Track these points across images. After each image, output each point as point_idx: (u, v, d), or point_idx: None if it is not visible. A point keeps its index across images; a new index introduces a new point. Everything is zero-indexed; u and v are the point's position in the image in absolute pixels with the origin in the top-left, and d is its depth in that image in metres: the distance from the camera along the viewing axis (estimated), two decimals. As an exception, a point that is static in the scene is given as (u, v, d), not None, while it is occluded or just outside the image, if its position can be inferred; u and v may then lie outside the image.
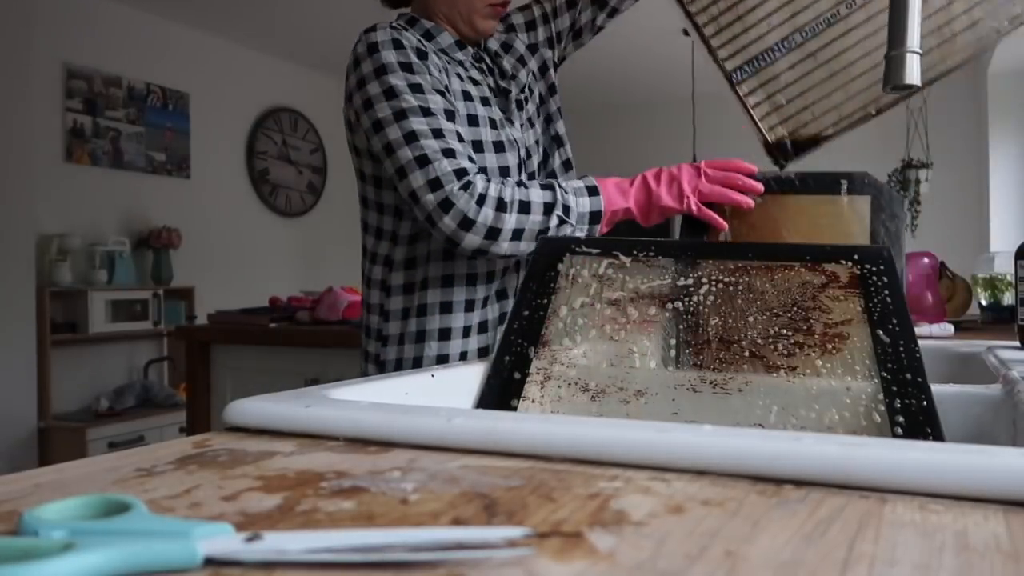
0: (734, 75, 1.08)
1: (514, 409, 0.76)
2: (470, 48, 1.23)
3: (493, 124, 1.17)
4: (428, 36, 1.18)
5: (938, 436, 0.64)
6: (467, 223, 1.05)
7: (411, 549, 0.29)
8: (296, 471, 0.42)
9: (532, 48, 1.33)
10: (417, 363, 1.17)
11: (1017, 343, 1.13)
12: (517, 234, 1.06)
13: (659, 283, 0.81)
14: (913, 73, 0.79)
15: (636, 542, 0.31)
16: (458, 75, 1.17)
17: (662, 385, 0.73)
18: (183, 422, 3.56)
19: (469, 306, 1.17)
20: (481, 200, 1.04)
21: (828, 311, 0.75)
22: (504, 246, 1.07)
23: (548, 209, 1.06)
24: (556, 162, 1.32)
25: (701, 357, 0.74)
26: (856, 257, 0.78)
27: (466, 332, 1.17)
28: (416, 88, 1.08)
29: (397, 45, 1.10)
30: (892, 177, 4.82)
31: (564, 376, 0.76)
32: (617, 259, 0.82)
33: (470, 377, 0.79)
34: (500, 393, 0.77)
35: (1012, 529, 0.32)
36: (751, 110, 1.04)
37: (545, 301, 0.81)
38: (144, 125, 4.22)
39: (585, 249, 0.83)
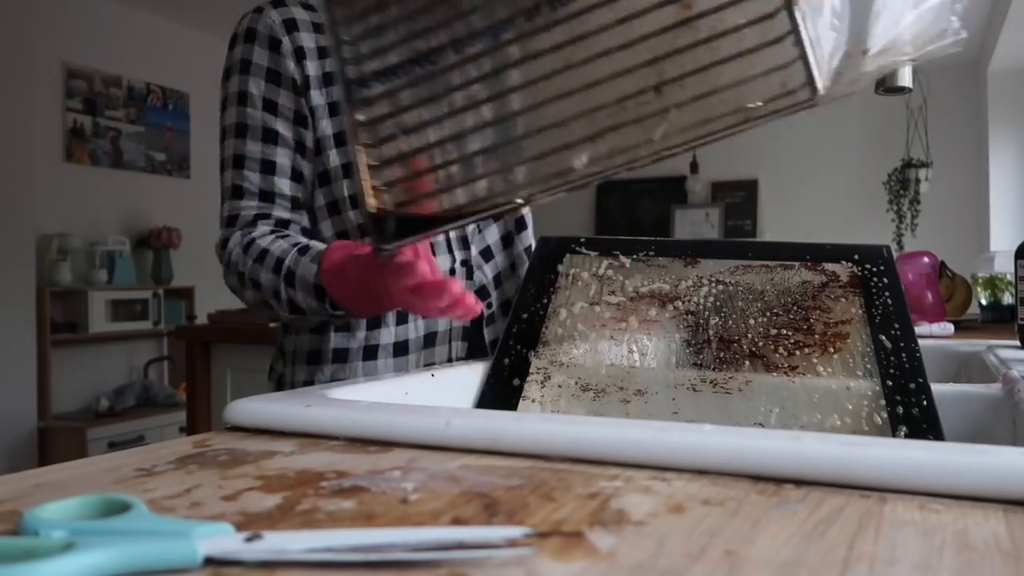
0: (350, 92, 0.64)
1: (514, 409, 0.76)
2: None
3: None
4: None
5: (938, 435, 0.64)
6: (230, 287, 0.97)
7: (411, 549, 0.29)
8: (296, 471, 0.42)
9: None
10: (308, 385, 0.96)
11: (1017, 342, 1.13)
12: (269, 309, 0.92)
13: (659, 283, 0.81)
14: (906, 75, 0.80)
15: (636, 542, 0.31)
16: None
17: (662, 385, 0.73)
18: (183, 422, 3.56)
19: (373, 323, 0.97)
20: (228, 266, 0.95)
21: (828, 311, 0.75)
22: (263, 313, 0.97)
23: (276, 297, 0.89)
24: None
25: (701, 357, 0.75)
26: (856, 257, 0.78)
27: (369, 353, 0.97)
28: (242, 98, 0.97)
29: (249, 36, 0.98)
30: (892, 177, 4.82)
31: (564, 376, 0.76)
32: (617, 259, 0.82)
33: (470, 377, 0.79)
34: (500, 393, 0.77)
35: (1012, 528, 0.32)
36: (357, 156, 0.63)
37: (545, 301, 0.81)
38: (144, 125, 4.22)
39: (585, 250, 0.83)
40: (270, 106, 0.96)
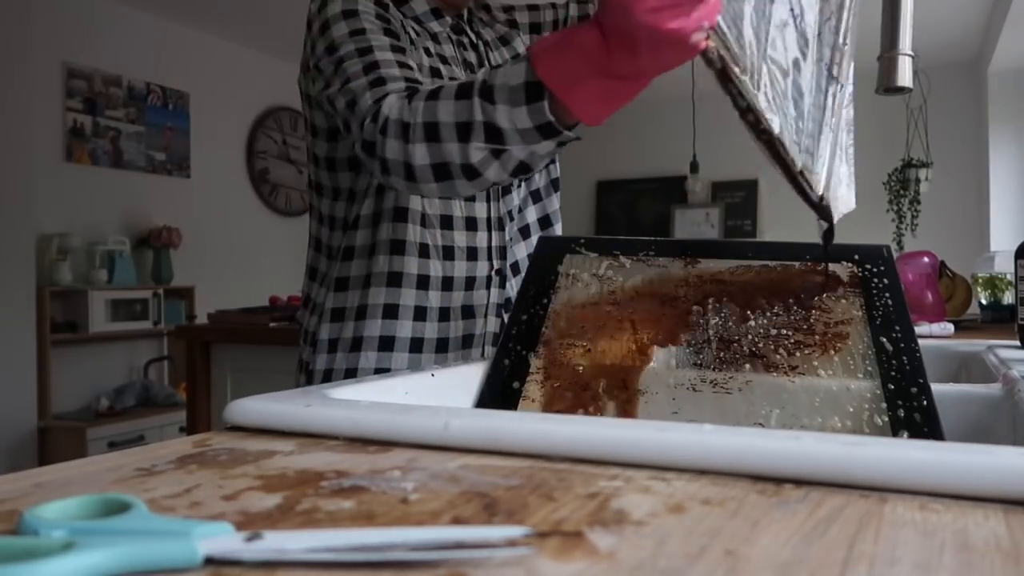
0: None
1: (514, 409, 0.76)
2: (448, 19, 1.07)
3: None
4: (400, 2, 1.03)
5: (938, 435, 0.64)
6: (384, 166, 0.80)
7: (411, 548, 0.29)
8: (296, 470, 0.42)
9: (507, 40, 1.18)
10: (351, 376, 0.97)
11: (1017, 342, 1.13)
12: (440, 172, 0.76)
13: (659, 282, 0.81)
14: (906, 75, 0.80)
15: (636, 541, 0.31)
16: (426, 49, 1.01)
17: (662, 385, 0.73)
18: (183, 421, 3.56)
19: (419, 314, 0.98)
20: (384, 129, 0.79)
21: (828, 311, 0.75)
22: (436, 187, 0.79)
23: (463, 130, 0.73)
24: (541, 181, 1.14)
25: (701, 356, 0.75)
26: (856, 257, 0.78)
27: (415, 345, 0.98)
28: (358, 32, 0.91)
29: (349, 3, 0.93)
30: (892, 176, 4.82)
31: (564, 375, 0.76)
32: (617, 259, 0.82)
33: (470, 376, 0.79)
34: (500, 393, 0.77)
35: (1012, 528, 0.32)
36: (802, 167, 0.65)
37: (545, 301, 0.81)
38: (144, 125, 4.22)
39: (585, 250, 0.83)
40: (390, 33, 0.93)
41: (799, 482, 0.39)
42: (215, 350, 2.33)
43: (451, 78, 1.01)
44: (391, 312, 0.98)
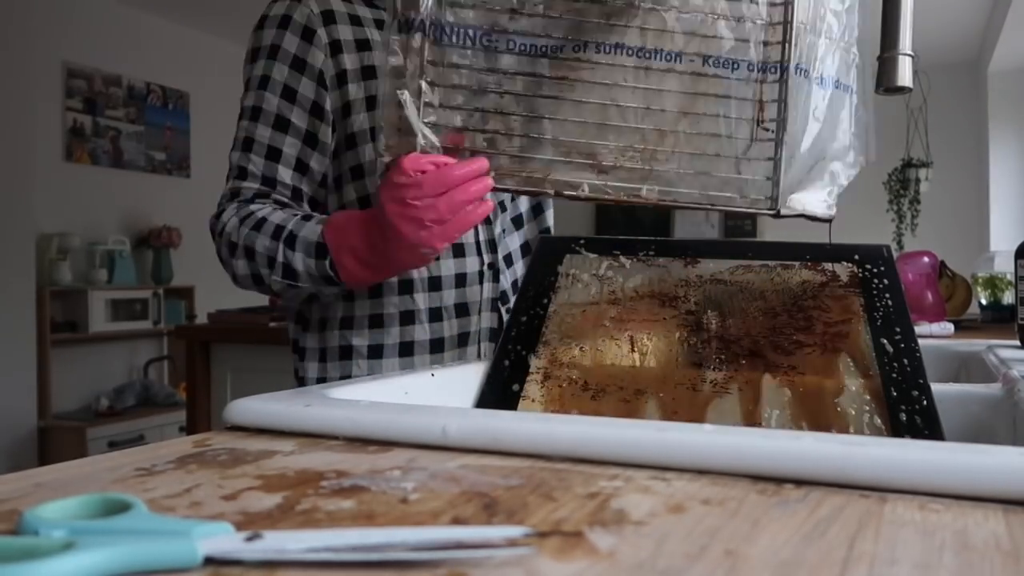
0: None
1: (514, 409, 0.76)
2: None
3: None
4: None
5: (938, 435, 0.64)
6: (220, 259, 0.97)
7: (411, 548, 0.29)
8: (296, 470, 0.42)
9: None
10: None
11: (1017, 342, 1.13)
12: (257, 281, 0.92)
13: (659, 282, 0.81)
14: (906, 75, 0.79)
15: (636, 541, 0.31)
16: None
17: (662, 384, 0.73)
18: (183, 421, 3.56)
19: (406, 318, 0.98)
20: (220, 235, 0.95)
21: (828, 310, 0.75)
22: (250, 290, 0.96)
23: (271, 264, 0.89)
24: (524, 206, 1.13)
25: (701, 356, 0.75)
26: (856, 257, 0.78)
27: (404, 350, 0.99)
28: (263, 83, 0.96)
29: (283, 23, 0.95)
30: (892, 176, 4.82)
31: (564, 375, 0.76)
32: (617, 259, 0.82)
33: (470, 376, 0.79)
34: (500, 393, 0.77)
35: (1012, 528, 0.32)
36: (408, 92, 0.72)
37: (545, 301, 0.81)
38: (144, 124, 4.22)
39: (585, 250, 0.83)
40: (289, 94, 0.96)
41: (799, 482, 0.39)
42: (215, 350, 2.33)
43: None
44: (377, 322, 0.99)
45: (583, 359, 0.77)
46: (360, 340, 0.99)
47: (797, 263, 0.79)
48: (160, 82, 4.31)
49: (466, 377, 0.78)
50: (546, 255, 0.84)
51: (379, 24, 0.99)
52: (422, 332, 0.99)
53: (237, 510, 0.34)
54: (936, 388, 0.69)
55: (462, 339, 1.02)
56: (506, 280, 1.07)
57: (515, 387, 0.77)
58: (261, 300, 3.23)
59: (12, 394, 3.35)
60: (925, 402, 0.67)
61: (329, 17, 0.96)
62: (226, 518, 0.33)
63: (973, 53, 4.87)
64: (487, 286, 1.04)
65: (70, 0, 3.86)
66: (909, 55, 0.79)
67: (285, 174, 0.96)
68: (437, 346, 1.00)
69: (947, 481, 0.37)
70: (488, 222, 1.05)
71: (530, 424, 0.46)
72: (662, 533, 0.32)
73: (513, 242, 1.11)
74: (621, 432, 0.44)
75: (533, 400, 0.76)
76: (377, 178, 0.84)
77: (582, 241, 0.84)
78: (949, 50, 4.74)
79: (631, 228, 6.01)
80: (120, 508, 0.32)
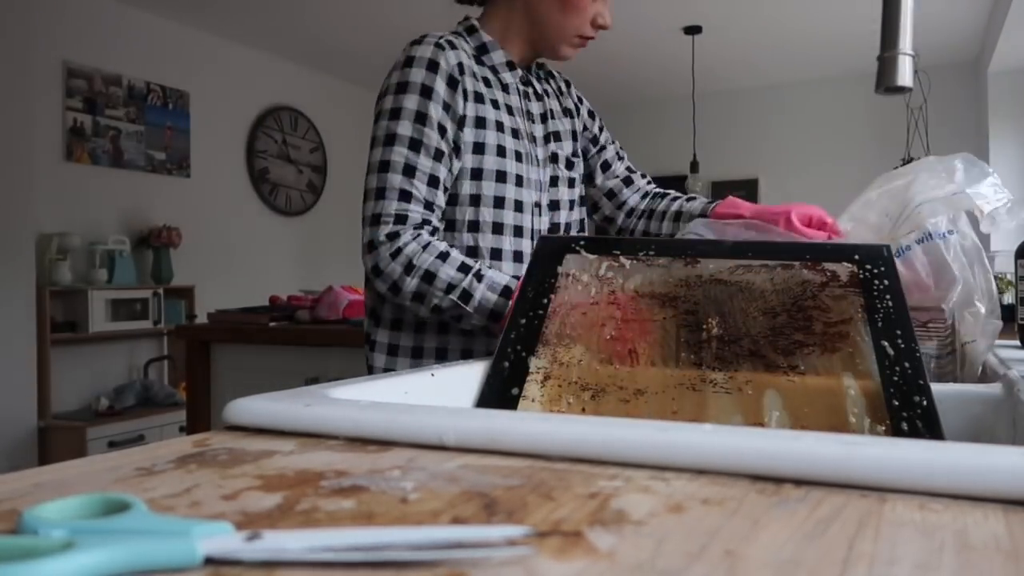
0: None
1: (514, 408, 0.75)
2: (519, 71, 1.21)
3: (519, 157, 1.16)
4: (482, 50, 1.18)
5: (938, 435, 0.64)
6: (377, 271, 1.08)
7: (411, 548, 0.29)
8: (296, 470, 0.42)
9: (578, 111, 1.34)
10: None
11: (1017, 342, 1.13)
12: (418, 297, 1.06)
13: (659, 282, 0.81)
14: (906, 75, 0.80)
15: (636, 541, 0.31)
16: (494, 101, 1.16)
17: (662, 384, 0.73)
18: (183, 421, 3.56)
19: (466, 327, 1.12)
20: (395, 254, 1.06)
21: (828, 310, 0.75)
22: (407, 303, 1.08)
23: (449, 288, 1.04)
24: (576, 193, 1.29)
25: (701, 356, 0.74)
26: (857, 257, 0.78)
27: (466, 355, 1.14)
28: (420, 117, 1.09)
29: (431, 66, 1.10)
30: (892, 176, 4.82)
31: (564, 375, 0.76)
32: (617, 259, 0.82)
33: (470, 376, 0.79)
34: (500, 393, 0.77)
35: (1012, 528, 0.32)
36: None
37: (545, 301, 0.81)
38: (144, 124, 4.22)
39: (585, 251, 0.83)
40: (443, 132, 1.10)
41: (799, 482, 0.39)
42: (215, 350, 2.33)
43: (513, 128, 1.17)
44: (444, 327, 1.14)
45: (583, 359, 0.77)
46: (429, 343, 1.14)
47: (797, 263, 0.79)
48: (160, 82, 4.31)
49: (466, 377, 0.78)
50: (546, 255, 0.84)
51: (486, 80, 1.16)
52: (480, 343, 1.13)
53: (237, 510, 0.35)
54: (936, 388, 0.69)
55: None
56: None
57: (515, 387, 0.77)
58: (261, 300, 3.23)
59: (12, 394, 3.35)
60: (925, 402, 0.67)
61: (462, 69, 1.12)
62: (226, 518, 0.33)
63: (973, 53, 4.87)
64: None
65: (70, 0, 3.86)
66: (909, 55, 0.79)
67: (442, 200, 1.11)
68: (467, 354, 1.14)
69: (947, 481, 0.37)
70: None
71: (530, 424, 0.46)
72: (662, 533, 0.32)
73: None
74: (621, 432, 0.44)
75: (533, 400, 0.76)
76: None
77: (582, 241, 0.84)
78: (949, 50, 4.74)
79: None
80: (120, 508, 0.32)
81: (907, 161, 4.76)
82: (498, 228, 1.14)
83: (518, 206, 1.15)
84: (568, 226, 1.26)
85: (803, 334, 0.74)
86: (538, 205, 1.19)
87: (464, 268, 1.05)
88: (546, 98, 1.27)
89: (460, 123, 1.11)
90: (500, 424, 0.46)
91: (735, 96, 5.66)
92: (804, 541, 0.31)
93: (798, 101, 5.50)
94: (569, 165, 1.27)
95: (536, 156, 1.20)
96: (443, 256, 1.05)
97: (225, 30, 4.55)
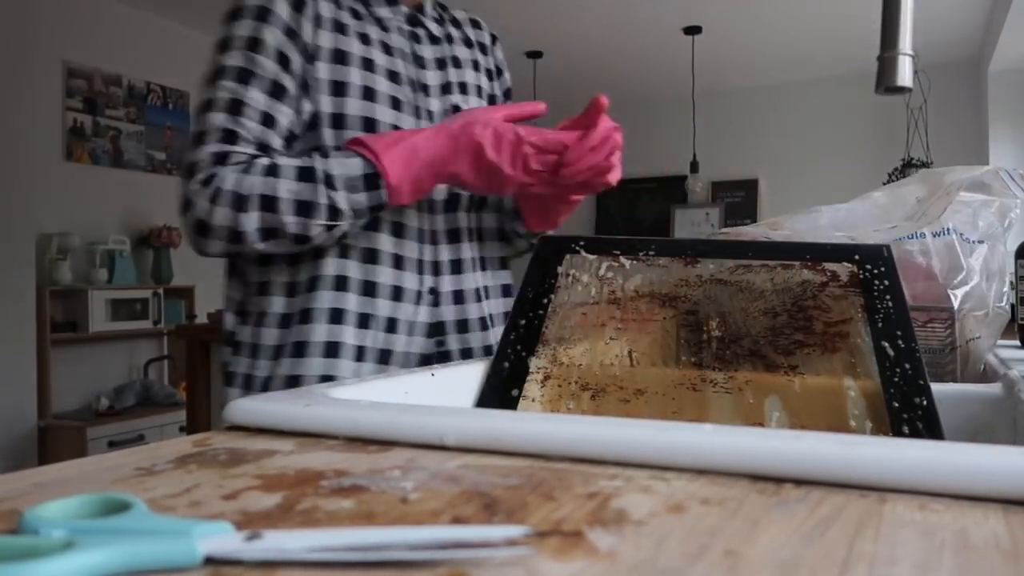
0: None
1: (514, 408, 0.76)
2: (402, 7, 1.02)
3: (396, 105, 0.95)
4: None
5: (938, 435, 0.64)
6: (202, 227, 0.86)
7: (411, 548, 0.29)
8: (296, 470, 0.42)
9: (500, 75, 1.15)
10: (292, 384, 0.91)
11: (1017, 342, 1.13)
12: (268, 233, 0.85)
13: (659, 282, 0.81)
14: (906, 75, 0.80)
15: (636, 541, 0.31)
16: (364, 35, 0.96)
17: (662, 384, 0.73)
18: (183, 421, 3.56)
19: (335, 317, 0.93)
20: (215, 197, 0.85)
21: (828, 310, 0.75)
22: (258, 247, 0.86)
23: (303, 207, 0.84)
24: None
25: (701, 356, 0.75)
26: (857, 257, 0.78)
27: (330, 350, 0.92)
28: (252, 44, 0.89)
29: None
30: (892, 176, 4.82)
31: (564, 375, 0.76)
32: (617, 259, 0.82)
33: (470, 376, 0.79)
34: (499, 393, 0.77)
35: (1012, 528, 0.32)
36: None
37: (545, 301, 0.81)
38: (144, 124, 4.22)
39: (584, 251, 0.83)
40: (284, 61, 0.90)
41: (799, 482, 0.39)
42: (215, 349, 2.34)
43: (390, 71, 0.96)
44: (306, 317, 0.93)
45: (583, 359, 0.77)
46: (288, 338, 0.93)
47: (797, 263, 0.79)
48: (160, 82, 4.31)
49: (466, 377, 0.79)
50: (546, 255, 0.84)
51: (353, 11, 0.97)
52: (348, 335, 0.93)
53: (237, 510, 0.35)
54: (936, 388, 0.69)
55: (384, 355, 0.95)
56: (450, 311, 1.00)
57: (515, 387, 0.77)
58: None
59: (12, 394, 3.35)
60: (925, 402, 0.67)
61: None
62: (226, 518, 0.33)
63: (973, 52, 4.87)
64: (423, 309, 0.98)
65: (70, 0, 3.86)
66: (909, 54, 0.79)
67: (278, 144, 0.91)
68: (360, 353, 0.94)
69: (947, 481, 0.37)
70: (433, 240, 0.99)
71: (530, 424, 0.46)
72: (662, 533, 0.32)
73: (492, 278, 1.06)
74: (621, 432, 0.44)
75: (533, 400, 0.76)
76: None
77: (582, 242, 0.84)
78: (949, 49, 4.74)
79: (631, 228, 6.01)
80: (120, 508, 0.32)
81: (907, 161, 4.77)
82: None
83: None
84: (467, 199, 1.02)
85: (803, 334, 0.74)
86: None
87: (305, 174, 0.84)
88: (446, 43, 1.05)
89: (310, 56, 0.91)
90: (500, 424, 0.46)
91: (735, 96, 5.66)
92: (804, 541, 0.31)
93: (798, 101, 5.50)
94: None
95: (427, 109, 0.99)
96: (271, 170, 0.84)
97: (225, 30, 4.55)
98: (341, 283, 0.93)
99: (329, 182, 0.84)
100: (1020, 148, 4.51)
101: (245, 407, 0.53)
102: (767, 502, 0.36)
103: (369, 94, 0.93)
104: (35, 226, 3.49)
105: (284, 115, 0.91)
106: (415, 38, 1.02)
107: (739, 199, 5.66)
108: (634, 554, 0.29)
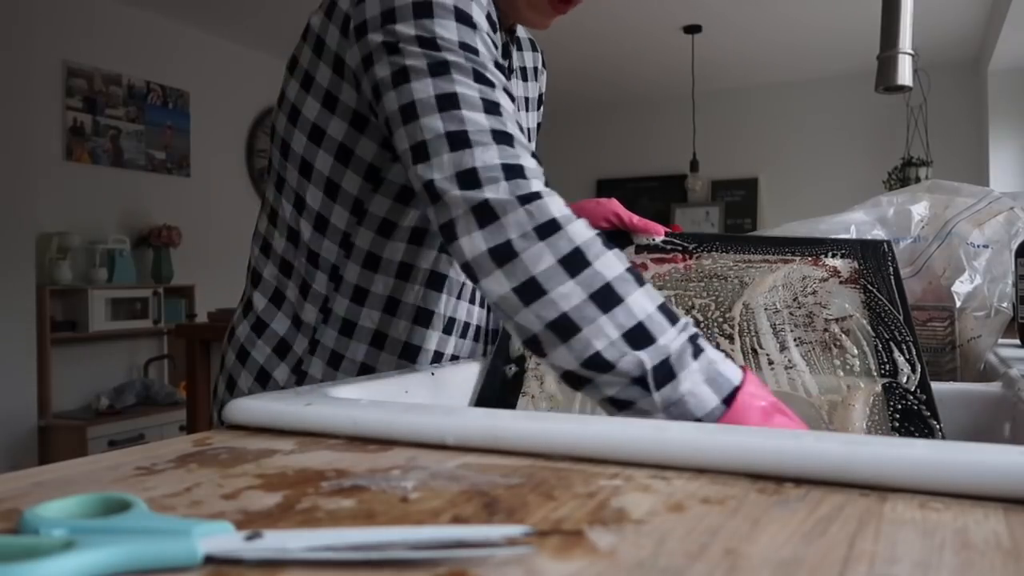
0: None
1: (513, 407, 0.75)
2: (502, 32, 0.91)
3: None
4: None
5: (938, 434, 0.64)
6: (502, 253, 0.61)
7: (411, 547, 0.29)
8: (296, 469, 0.42)
9: (535, 75, 1.06)
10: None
11: (1017, 342, 1.13)
12: (559, 328, 0.59)
13: (660, 278, 0.81)
14: (906, 74, 0.80)
15: (636, 540, 0.31)
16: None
17: (662, 383, 0.73)
18: (183, 420, 3.56)
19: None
20: (544, 231, 0.60)
21: (828, 306, 0.75)
22: (524, 338, 0.62)
23: (639, 340, 0.58)
24: None
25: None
26: (858, 253, 0.78)
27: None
28: (468, 47, 0.70)
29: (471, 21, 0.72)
30: (892, 175, 4.82)
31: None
32: (617, 257, 0.82)
33: (470, 375, 0.79)
34: (499, 392, 0.77)
35: (1012, 527, 0.32)
36: None
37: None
38: (144, 123, 4.22)
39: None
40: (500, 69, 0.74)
41: (799, 481, 0.39)
42: (215, 348, 2.33)
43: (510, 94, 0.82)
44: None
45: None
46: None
47: (798, 258, 0.79)
48: (160, 81, 4.31)
49: (466, 376, 0.78)
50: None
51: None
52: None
53: (237, 509, 0.35)
54: (936, 387, 0.69)
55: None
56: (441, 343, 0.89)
57: (515, 386, 0.77)
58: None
59: (12, 393, 3.35)
60: (925, 400, 0.67)
61: (492, 25, 0.78)
62: (226, 517, 0.33)
63: (973, 52, 4.87)
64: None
65: (70, 0, 3.86)
66: (909, 54, 0.79)
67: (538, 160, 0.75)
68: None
69: (947, 480, 0.37)
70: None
71: (530, 423, 0.46)
72: (662, 532, 0.32)
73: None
74: (621, 431, 0.44)
75: (533, 397, 0.76)
76: None
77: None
78: (949, 49, 4.73)
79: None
80: (120, 507, 0.32)
81: (907, 160, 4.76)
82: None
83: None
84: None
85: (803, 330, 0.74)
86: None
87: (668, 312, 0.60)
88: (519, 80, 1.01)
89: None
90: (501, 423, 0.46)
91: (735, 96, 5.66)
92: (804, 540, 0.31)
93: (798, 101, 5.50)
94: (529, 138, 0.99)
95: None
96: (603, 290, 0.59)
97: (225, 30, 4.55)
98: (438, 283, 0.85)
99: (694, 342, 0.59)
100: (1020, 147, 4.51)
101: (245, 406, 0.53)
102: (767, 501, 0.36)
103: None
104: (35, 225, 3.49)
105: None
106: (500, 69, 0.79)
107: (739, 198, 5.66)
108: (634, 553, 0.29)
